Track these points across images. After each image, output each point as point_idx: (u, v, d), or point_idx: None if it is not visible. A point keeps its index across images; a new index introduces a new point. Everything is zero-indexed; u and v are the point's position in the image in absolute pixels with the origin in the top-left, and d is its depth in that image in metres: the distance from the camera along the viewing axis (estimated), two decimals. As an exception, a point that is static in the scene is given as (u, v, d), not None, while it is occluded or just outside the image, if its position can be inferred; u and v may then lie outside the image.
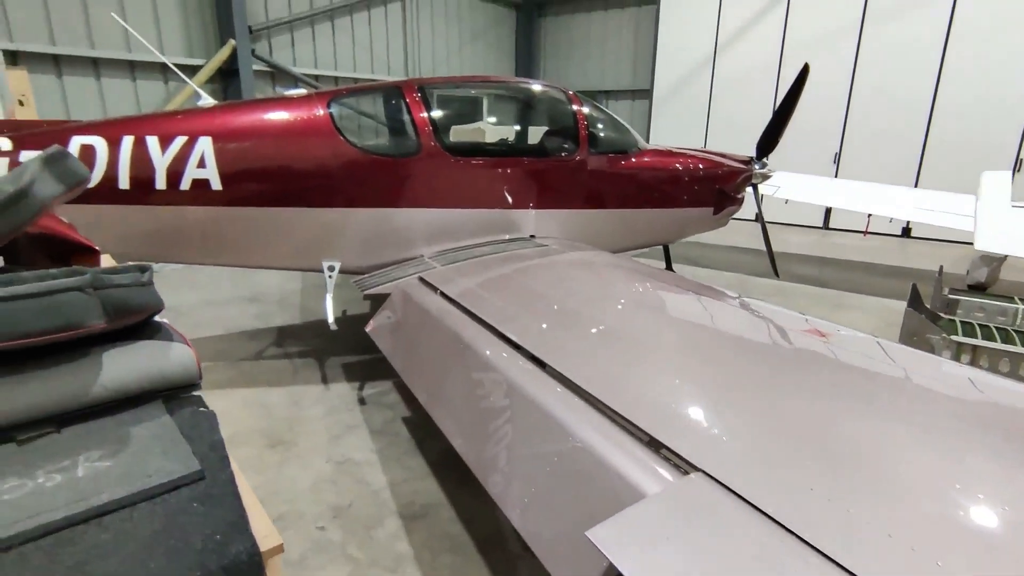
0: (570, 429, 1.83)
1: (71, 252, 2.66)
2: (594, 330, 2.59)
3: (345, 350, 4.97)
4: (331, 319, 4.01)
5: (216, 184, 3.76)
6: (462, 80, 5.69)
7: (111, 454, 1.34)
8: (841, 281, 7.36)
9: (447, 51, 12.89)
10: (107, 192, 3.62)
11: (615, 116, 5.07)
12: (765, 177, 5.73)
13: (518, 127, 5.07)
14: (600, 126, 4.91)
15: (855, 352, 2.28)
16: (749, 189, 5.70)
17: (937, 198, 6.48)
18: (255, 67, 8.92)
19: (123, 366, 1.53)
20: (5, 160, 3.58)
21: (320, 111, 3.96)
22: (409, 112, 4.12)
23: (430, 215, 4.22)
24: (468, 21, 13.30)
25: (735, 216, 5.91)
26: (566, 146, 4.64)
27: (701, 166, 5.23)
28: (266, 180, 3.83)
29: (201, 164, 3.72)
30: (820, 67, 9.13)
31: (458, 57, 13.24)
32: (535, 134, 4.97)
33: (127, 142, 3.67)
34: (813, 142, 10.09)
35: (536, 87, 5.22)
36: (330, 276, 4.14)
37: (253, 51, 8.82)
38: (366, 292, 3.84)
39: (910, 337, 4.49)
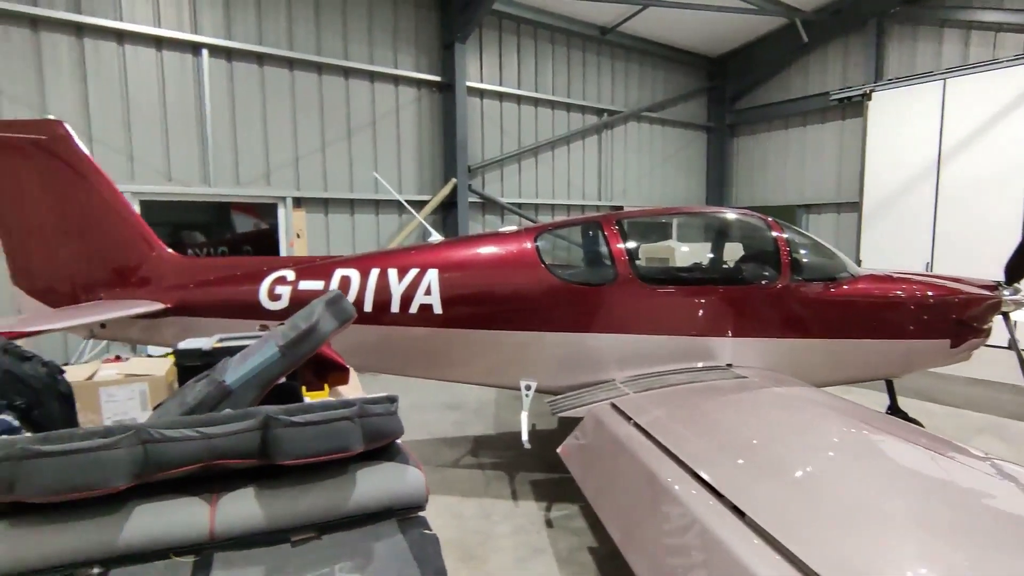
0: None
1: (329, 368, 3.24)
2: (798, 480, 2.38)
3: (534, 466, 5.08)
4: (525, 436, 4.20)
5: (438, 308, 4.33)
6: (659, 212, 5.94)
7: (358, 567, 1.57)
8: None
9: (638, 174, 13.52)
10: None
11: (823, 243, 4.83)
12: (1019, 305, 4.87)
13: (714, 255, 5.06)
14: (803, 252, 4.70)
15: None
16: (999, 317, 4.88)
17: None
18: (470, 199, 10.28)
19: (371, 485, 1.81)
20: (288, 288, 4.53)
21: (528, 244, 4.43)
22: (607, 244, 4.40)
23: (624, 341, 4.32)
24: (659, 146, 13.92)
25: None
26: (766, 273, 4.50)
27: (931, 293, 4.64)
28: (479, 305, 4.32)
29: (428, 292, 4.34)
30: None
31: (648, 179, 13.79)
32: (732, 262, 4.91)
33: (374, 273, 4.44)
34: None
35: (733, 214, 5.22)
36: (527, 394, 4.39)
37: (469, 186, 10.22)
38: (560, 414, 3.98)
39: None
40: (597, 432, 3.52)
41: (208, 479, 1.72)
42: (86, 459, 1.47)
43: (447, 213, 10.16)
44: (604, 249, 4.43)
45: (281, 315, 4.49)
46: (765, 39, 13.38)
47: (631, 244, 4.42)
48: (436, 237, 4.93)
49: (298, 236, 8.61)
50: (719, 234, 5.13)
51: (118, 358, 5.26)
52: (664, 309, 4.34)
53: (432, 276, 4.37)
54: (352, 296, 4.45)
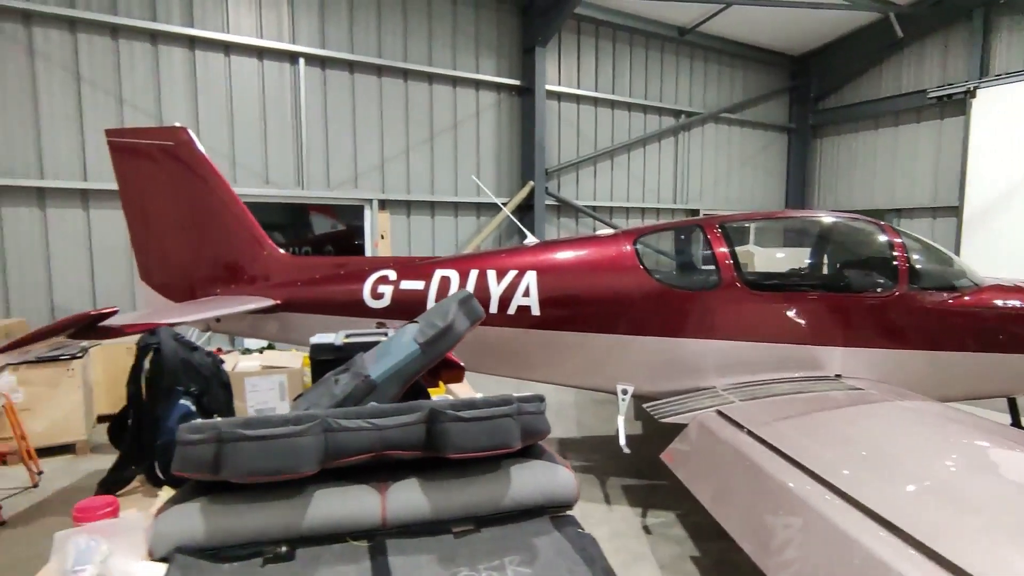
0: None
1: (444, 366, 3.31)
2: (945, 492, 2.29)
3: (622, 470, 5.03)
4: (623, 440, 4.16)
5: (536, 310, 4.36)
6: (763, 216, 5.76)
7: (527, 562, 1.60)
8: None
9: (715, 177, 13.17)
10: (456, 314, 4.47)
11: (944, 250, 4.55)
12: None
13: (823, 260, 4.86)
14: (922, 259, 4.45)
15: None
16: None
17: None
18: (546, 202, 10.32)
19: (525, 481, 1.85)
20: (390, 287, 4.67)
21: (627, 247, 4.39)
22: (709, 247, 4.31)
23: (726, 347, 4.22)
24: (738, 148, 13.52)
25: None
26: (881, 281, 4.29)
27: (1069, 306, 4.30)
28: (578, 308, 4.32)
29: (526, 293, 4.38)
30: None
31: (725, 182, 13.41)
32: (843, 268, 4.71)
33: (473, 274, 4.52)
34: None
35: (845, 219, 4.96)
36: (623, 398, 4.35)
37: (546, 189, 10.25)
38: (663, 419, 3.92)
39: None
40: (706, 439, 3.45)
41: (375, 468, 1.80)
42: (283, 444, 1.57)
43: (523, 216, 10.22)
44: (706, 253, 4.34)
45: (383, 313, 4.65)
46: (854, 35, 12.77)
47: (735, 248, 4.30)
48: (531, 240, 4.97)
49: (382, 237, 8.89)
50: (831, 239, 4.92)
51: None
52: (769, 316, 4.21)
53: (531, 278, 4.40)
54: (451, 296, 4.54)
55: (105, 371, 6.22)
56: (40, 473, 4.87)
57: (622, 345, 4.32)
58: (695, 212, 12.73)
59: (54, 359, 5.29)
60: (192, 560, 1.52)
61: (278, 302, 4.76)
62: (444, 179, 9.52)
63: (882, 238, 4.39)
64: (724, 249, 4.26)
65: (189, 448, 1.59)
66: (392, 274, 4.70)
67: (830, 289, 4.43)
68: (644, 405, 4.29)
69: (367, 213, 8.92)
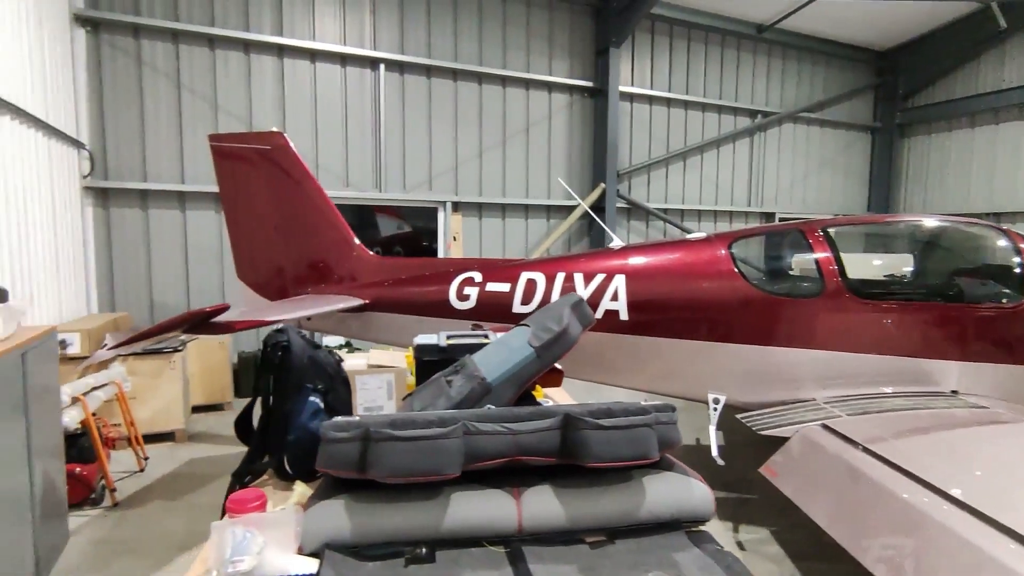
0: None
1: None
2: None
3: (710, 482, 4.83)
4: (715, 451, 4.03)
5: (624, 314, 4.27)
6: (869, 220, 5.47)
7: (673, 577, 1.53)
8: None
9: (792, 179, 12.63)
10: (541, 317, 4.45)
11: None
12: None
13: (939, 268, 4.55)
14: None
15: None
16: None
17: None
18: (617, 205, 10.17)
19: (660, 494, 1.78)
20: (476, 289, 4.69)
21: (722, 252, 4.25)
22: (811, 253, 4.11)
23: (828, 358, 4.01)
24: (817, 148, 12.92)
25: None
26: (1006, 291, 3.96)
27: None
28: (669, 313, 4.21)
29: (615, 297, 4.30)
30: None
31: (803, 184, 12.84)
32: (962, 277, 4.38)
33: (559, 277, 4.48)
34: None
35: (963, 225, 4.61)
36: (715, 408, 4.21)
37: (617, 191, 10.11)
38: (761, 431, 3.76)
39: None
40: (814, 455, 3.28)
41: (506, 473, 1.78)
42: (430, 446, 1.57)
43: (592, 219, 10.11)
44: (808, 259, 4.14)
45: (468, 315, 4.67)
46: (948, 28, 11.97)
47: (841, 254, 4.08)
48: (617, 243, 4.88)
49: (454, 239, 8.99)
50: (948, 247, 4.59)
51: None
52: (878, 326, 3.97)
53: (619, 282, 4.32)
54: (538, 299, 4.52)
55: (199, 364, 6.56)
56: (146, 459, 5.17)
57: (715, 352, 4.18)
58: (770, 215, 12.26)
59: (158, 351, 5.61)
60: (340, 557, 1.54)
61: (366, 302, 4.87)
62: (515, 181, 9.55)
63: (1005, 244, 4.06)
64: (828, 254, 4.05)
65: (334, 446, 1.62)
66: (478, 276, 4.72)
67: (947, 299, 4.13)
68: (738, 416, 4.13)
69: (440, 215, 9.05)
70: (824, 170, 13.11)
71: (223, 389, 6.83)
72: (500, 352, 2.41)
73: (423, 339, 2.92)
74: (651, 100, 10.71)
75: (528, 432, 1.73)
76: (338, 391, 2.29)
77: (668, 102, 10.89)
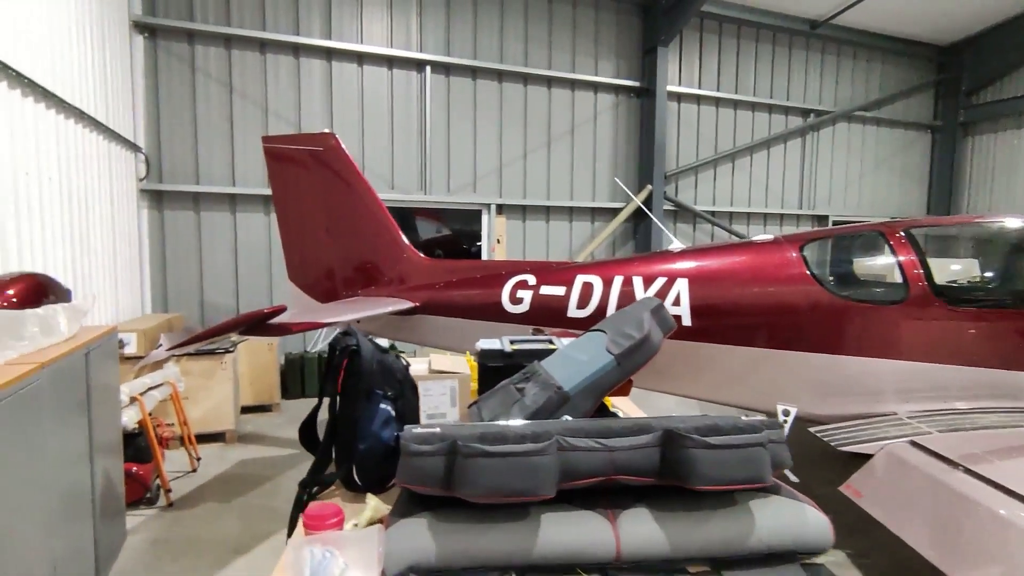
0: None
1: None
2: None
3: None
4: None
5: (687, 320, 4.07)
6: (955, 221, 5.13)
7: (798, 618, 1.35)
8: None
9: (846, 180, 12.13)
10: (599, 320, 4.28)
11: None
12: None
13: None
14: None
15: None
16: None
17: None
18: (664, 207, 9.91)
19: (771, 520, 1.59)
20: (530, 292, 4.56)
21: (793, 255, 4.01)
22: (894, 256, 3.84)
23: (913, 369, 3.72)
24: (872, 148, 12.38)
25: None
26: (1119, 299, 3.62)
27: None
28: (736, 319, 3.98)
29: (676, 302, 4.10)
30: None
31: (857, 186, 12.31)
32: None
33: (617, 281, 4.31)
34: None
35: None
36: (785, 420, 3.96)
37: (664, 193, 9.85)
38: (840, 447, 3.51)
39: None
40: (904, 474, 3.03)
41: (598, 494, 1.63)
42: (524, 463, 1.43)
43: (639, 221, 9.88)
44: (890, 262, 3.86)
45: (522, 319, 4.54)
46: (1016, 20, 11.31)
47: (926, 258, 3.80)
48: (677, 245, 4.68)
49: (498, 241, 8.88)
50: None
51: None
52: (969, 335, 3.67)
53: (682, 286, 4.13)
54: (594, 303, 4.36)
55: (248, 365, 6.60)
56: (199, 459, 5.19)
57: (786, 361, 3.94)
58: (823, 218, 11.78)
59: (210, 352, 5.65)
60: (426, 581, 1.42)
61: (417, 304, 4.79)
62: (560, 183, 9.40)
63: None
64: (912, 258, 3.77)
65: (417, 459, 1.50)
66: (531, 279, 4.59)
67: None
68: (812, 430, 3.87)
69: (484, 217, 8.96)
70: (880, 171, 12.55)
71: (271, 390, 6.87)
72: (574, 359, 2.27)
73: (486, 343, 2.79)
74: (699, 100, 10.42)
75: (624, 448, 1.57)
76: (408, 398, 2.18)
77: (717, 101, 10.58)
